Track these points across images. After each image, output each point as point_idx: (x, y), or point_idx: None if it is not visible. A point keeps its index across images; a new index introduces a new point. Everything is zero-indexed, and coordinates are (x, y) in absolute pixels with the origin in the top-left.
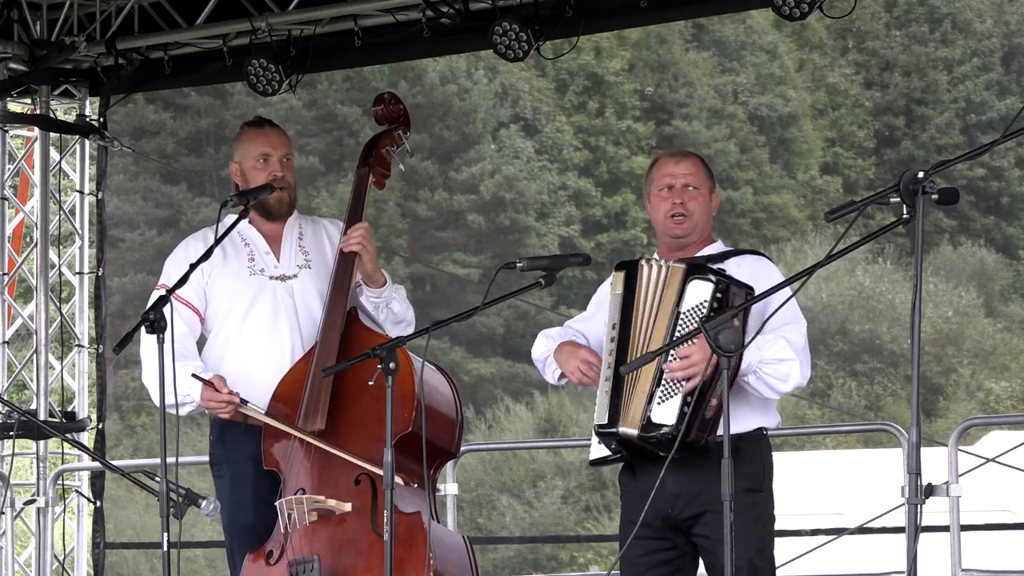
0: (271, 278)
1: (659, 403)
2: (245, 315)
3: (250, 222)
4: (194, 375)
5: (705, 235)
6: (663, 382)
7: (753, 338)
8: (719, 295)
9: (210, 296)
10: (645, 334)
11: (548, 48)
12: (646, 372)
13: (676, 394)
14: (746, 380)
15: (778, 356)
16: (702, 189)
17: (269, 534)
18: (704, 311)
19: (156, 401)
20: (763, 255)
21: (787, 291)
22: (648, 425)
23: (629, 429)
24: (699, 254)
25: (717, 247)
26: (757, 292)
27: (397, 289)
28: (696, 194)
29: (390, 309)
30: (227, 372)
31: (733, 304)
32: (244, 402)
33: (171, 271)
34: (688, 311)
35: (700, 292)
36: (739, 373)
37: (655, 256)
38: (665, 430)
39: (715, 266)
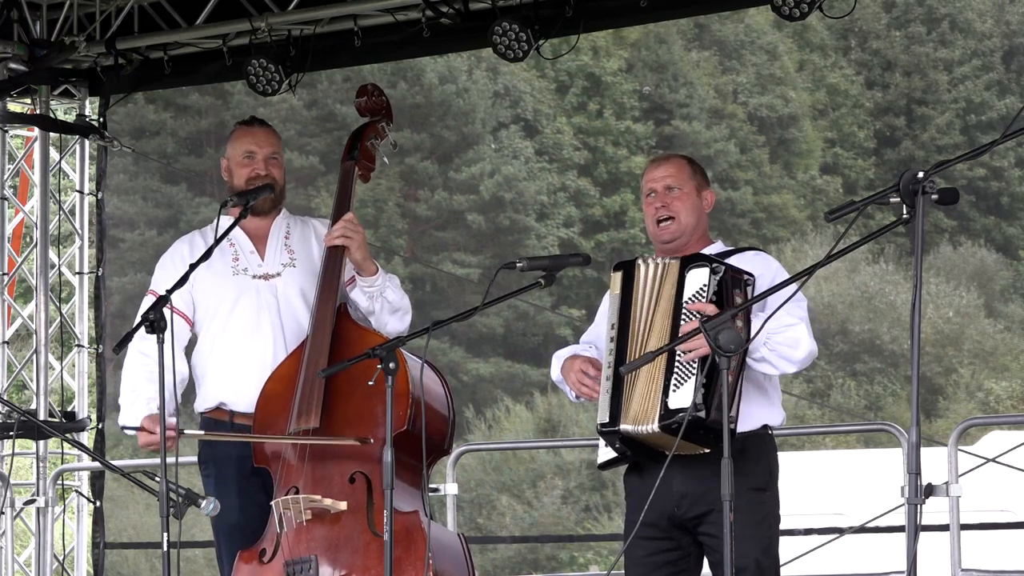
0: (254, 277)
1: (674, 390)
2: (228, 315)
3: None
4: (124, 427)
5: (699, 235)
6: (675, 371)
7: (762, 326)
8: (716, 276)
9: (196, 298)
10: (644, 331)
11: (548, 48)
12: (656, 367)
13: (689, 378)
14: (757, 358)
15: (783, 323)
16: (686, 189)
17: (258, 534)
18: (705, 296)
19: (120, 421)
20: (760, 250)
21: (783, 281)
22: (667, 413)
23: (646, 426)
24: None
25: (716, 247)
26: (758, 280)
27: (391, 278)
28: (679, 194)
29: (384, 298)
30: (213, 373)
31: (733, 288)
32: (181, 432)
33: (159, 277)
34: (689, 300)
35: (698, 279)
36: (747, 352)
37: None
38: (684, 412)
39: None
